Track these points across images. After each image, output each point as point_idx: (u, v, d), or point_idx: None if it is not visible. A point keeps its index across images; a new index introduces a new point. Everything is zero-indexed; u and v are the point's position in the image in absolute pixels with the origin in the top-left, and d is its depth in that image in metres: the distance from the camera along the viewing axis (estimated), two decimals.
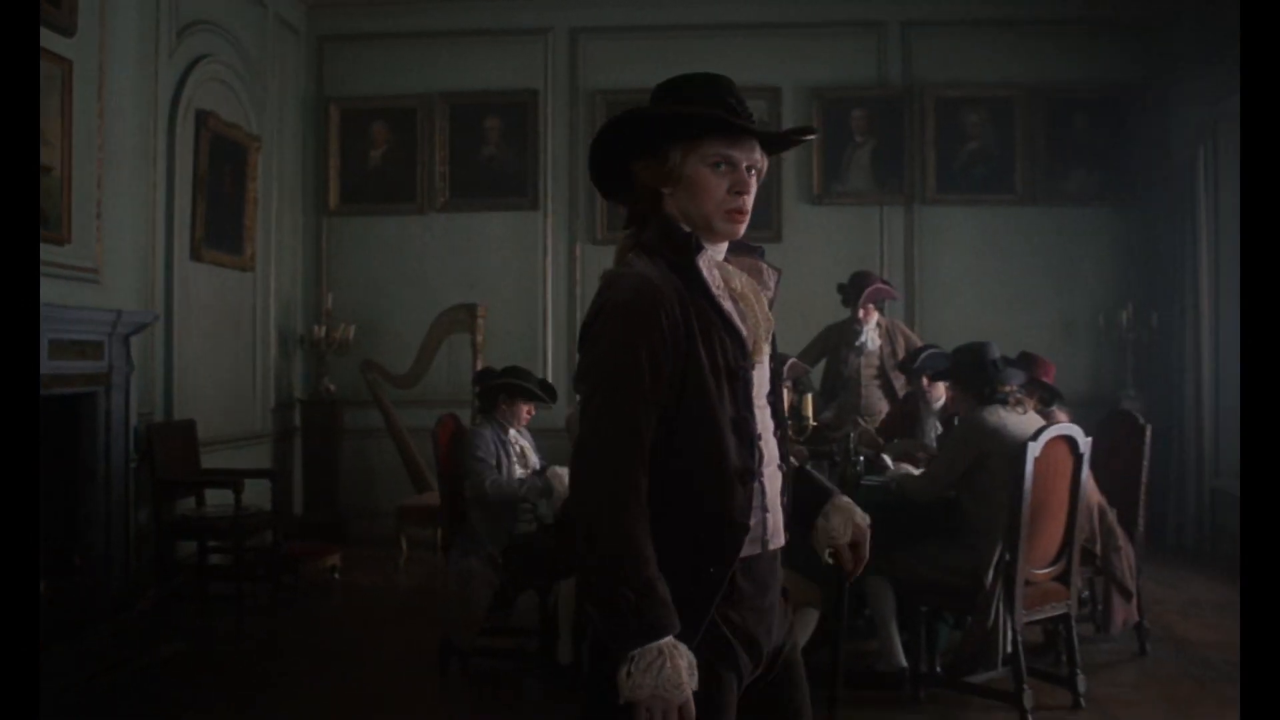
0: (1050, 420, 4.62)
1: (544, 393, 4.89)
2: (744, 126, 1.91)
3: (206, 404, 6.83)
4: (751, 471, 1.90)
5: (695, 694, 1.75)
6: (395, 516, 7.53)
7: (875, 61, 8.36)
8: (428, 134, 8.48)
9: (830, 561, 2.08)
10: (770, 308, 2.02)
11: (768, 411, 1.98)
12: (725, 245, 2.01)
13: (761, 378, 1.97)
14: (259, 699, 4.50)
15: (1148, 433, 5.04)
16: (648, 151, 1.94)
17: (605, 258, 8.11)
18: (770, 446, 1.97)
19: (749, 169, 1.94)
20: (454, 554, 4.67)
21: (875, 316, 6.25)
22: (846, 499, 2.09)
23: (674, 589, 1.77)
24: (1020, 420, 4.27)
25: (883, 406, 6.15)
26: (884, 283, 6.45)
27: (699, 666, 1.76)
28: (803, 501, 2.08)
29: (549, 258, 8.49)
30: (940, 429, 5.51)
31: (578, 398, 5.91)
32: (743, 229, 1.98)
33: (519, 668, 4.77)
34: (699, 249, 1.91)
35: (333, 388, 8.16)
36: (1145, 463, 5.02)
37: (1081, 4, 8.23)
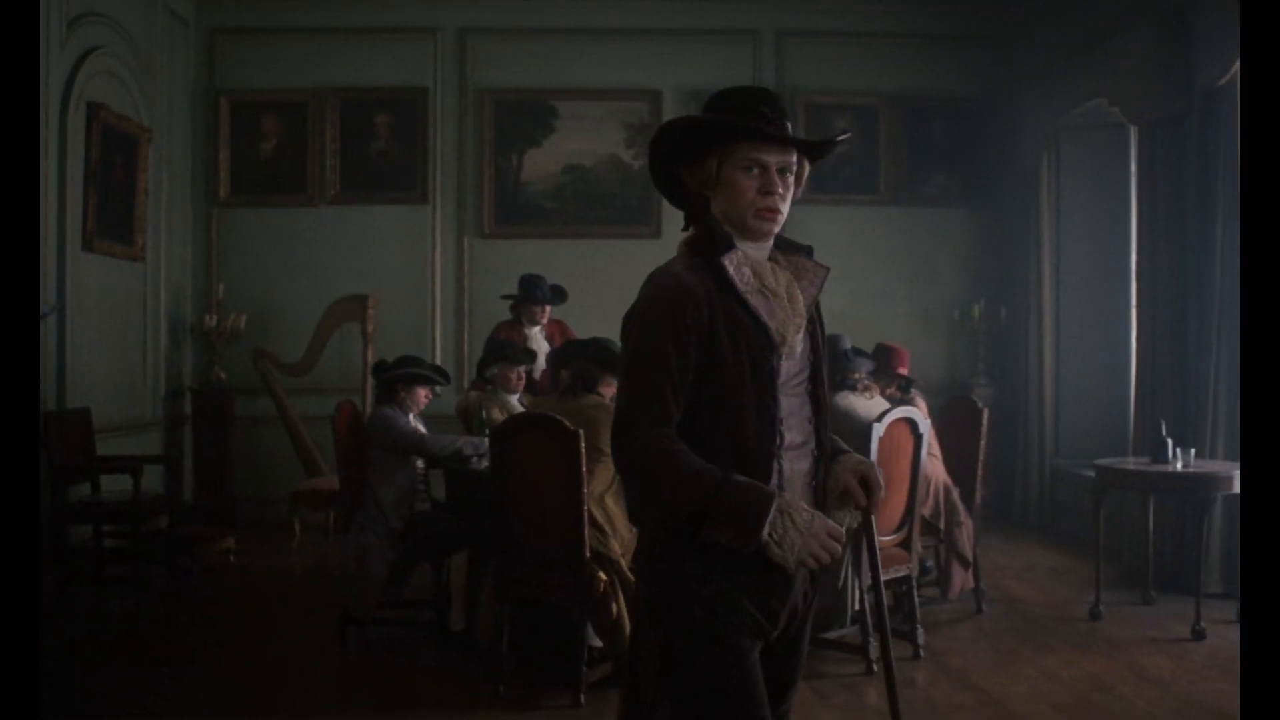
0: (912, 405, 5.18)
1: (439, 375, 5.24)
2: (761, 131, 2.05)
3: (98, 392, 6.92)
4: (769, 451, 2.05)
5: (715, 662, 2.01)
6: (288, 501, 7.73)
7: (751, 67, 8.83)
8: (319, 128, 8.66)
9: (838, 514, 2.19)
10: (813, 303, 2.17)
11: (801, 400, 2.13)
12: (767, 243, 2.15)
13: (791, 368, 2.11)
14: (164, 675, 4.72)
15: (984, 416, 5.64)
16: (691, 159, 2.12)
17: (492, 251, 8.61)
18: (797, 431, 2.10)
19: (782, 171, 2.07)
20: (352, 531, 4.99)
21: None
22: (851, 455, 2.20)
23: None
24: (868, 404, 4.79)
25: None
26: None
27: (716, 638, 2.01)
28: None
29: (438, 250, 8.76)
30: None
31: (466, 386, 6.26)
32: (775, 226, 2.10)
33: (414, 636, 5.11)
34: (727, 249, 2.08)
35: (224, 376, 8.28)
36: (982, 443, 5.61)
37: (940, 19, 8.86)
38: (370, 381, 7.74)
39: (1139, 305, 6.89)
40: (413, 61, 8.74)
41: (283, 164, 8.69)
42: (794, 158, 2.09)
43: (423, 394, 5.15)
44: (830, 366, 4.97)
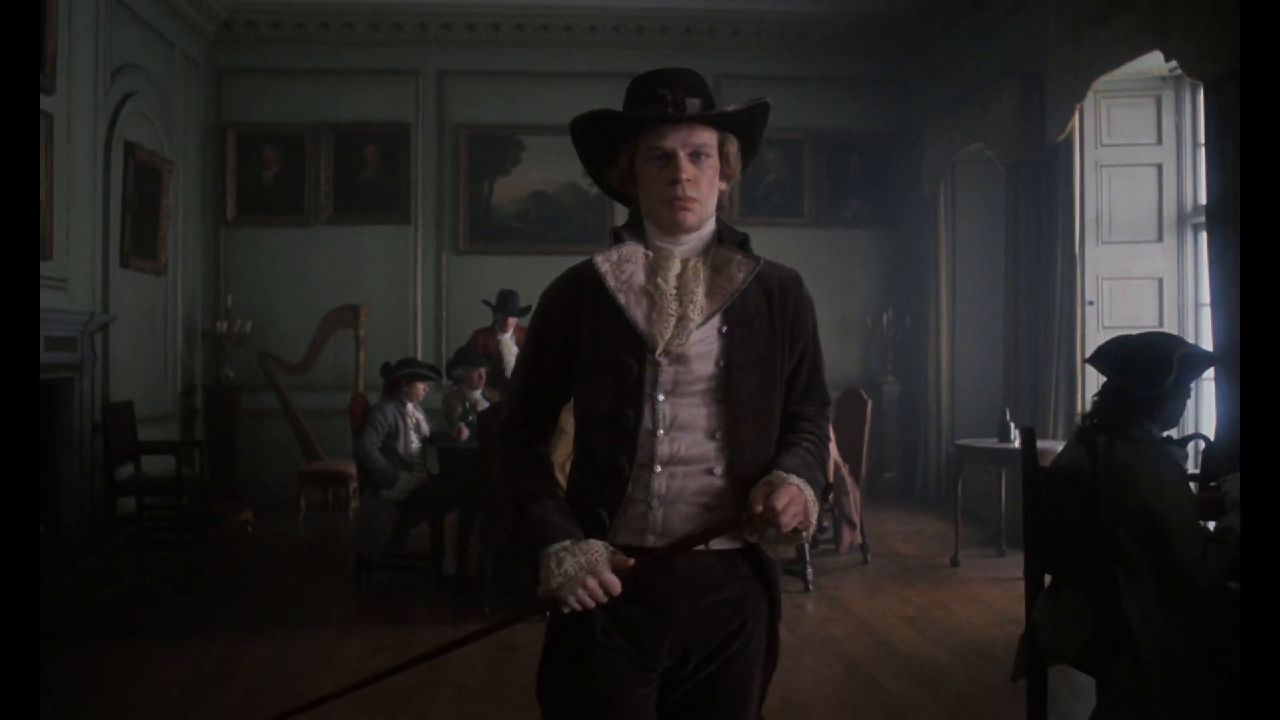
0: None
1: (432, 371, 6.57)
2: (636, 117, 1.91)
3: (131, 388, 8.14)
4: (619, 467, 1.89)
5: (563, 670, 1.94)
6: (294, 481, 8.96)
7: None
8: (314, 157, 9.91)
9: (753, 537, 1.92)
10: (734, 299, 1.94)
11: (701, 411, 1.92)
12: (693, 236, 1.97)
13: (682, 374, 1.91)
14: (209, 608, 5.97)
15: (869, 406, 7.02)
16: (608, 161, 2.00)
17: (468, 266, 9.98)
18: (685, 445, 1.91)
19: (695, 155, 1.90)
20: (365, 494, 6.28)
21: None
22: (777, 473, 1.89)
23: None
24: None
25: None
26: None
27: (567, 645, 1.93)
28: None
29: (419, 265, 10.04)
30: None
31: (446, 381, 7.55)
32: (693, 215, 1.92)
33: (414, 580, 6.40)
34: (614, 244, 1.98)
35: (232, 374, 9.51)
36: (867, 427, 6.99)
37: (856, 66, 10.28)
38: (362, 379, 9.10)
39: (1004, 314, 8.30)
40: (397, 100, 10.02)
41: (283, 189, 9.93)
42: (709, 138, 1.93)
43: (420, 387, 6.47)
44: None
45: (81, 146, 6.98)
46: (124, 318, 8.00)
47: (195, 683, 4.61)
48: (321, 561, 7.13)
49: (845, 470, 6.90)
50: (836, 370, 9.70)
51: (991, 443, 6.93)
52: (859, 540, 6.97)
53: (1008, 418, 6.83)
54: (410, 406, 6.43)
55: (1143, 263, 7.22)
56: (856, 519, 6.90)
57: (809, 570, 6.22)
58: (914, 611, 5.75)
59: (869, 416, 7.01)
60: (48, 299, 6.40)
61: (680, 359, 1.91)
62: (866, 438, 7.02)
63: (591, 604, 1.82)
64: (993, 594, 6.11)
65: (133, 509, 7.48)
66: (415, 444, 6.49)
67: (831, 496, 6.79)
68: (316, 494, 9.08)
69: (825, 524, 7.18)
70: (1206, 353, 3.13)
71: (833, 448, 6.66)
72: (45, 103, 6.41)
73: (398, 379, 6.40)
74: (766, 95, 2.06)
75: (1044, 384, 7.47)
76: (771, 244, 10.55)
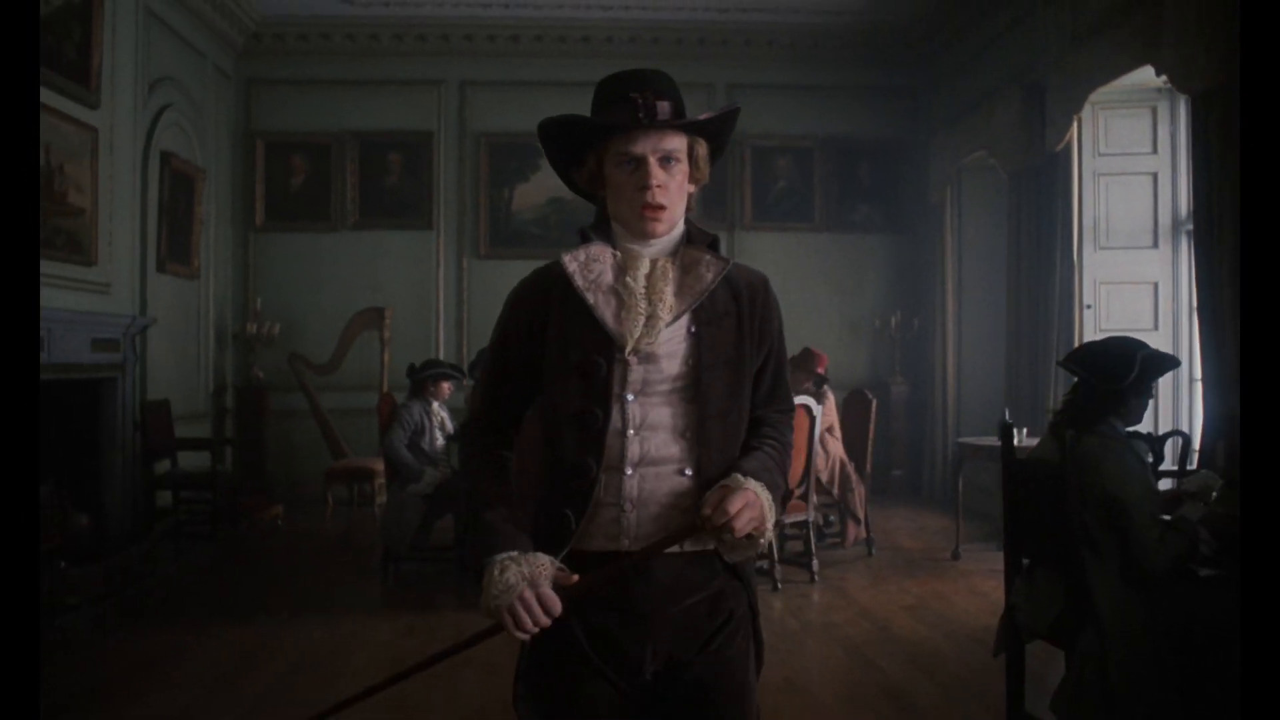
0: (823, 398, 6.86)
1: (456, 371, 6.90)
2: (606, 123, 1.88)
3: (167, 388, 8.50)
4: (586, 466, 1.87)
5: (539, 680, 1.92)
6: (321, 478, 9.30)
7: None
8: (340, 165, 10.26)
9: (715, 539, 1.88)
10: (702, 299, 1.93)
11: (671, 410, 1.90)
12: (663, 240, 1.95)
13: (651, 374, 1.90)
14: (244, 593, 6.30)
15: (873, 405, 7.31)
16: (577, 161, 1.97)
17: (488, 270, 10.33)
18: (656, 445, 1.89)
19: (666, 160, 1.89)
20: (393, 489, 6.61)
21: None
22: (735, 478, 1.87)
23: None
24: None
25: None
26: None
27: (548, 667, 1.90)
28: None
29: (441, 269, 10.38)
30: None
31: (468, 381, 7.90)
32: (662, 224, 1.91)
33: (439, 571, 6.73)
34: (581, 242, 1.97)
35: (261, 375, 9.86)
36: (871, 426, 7.28)
37: (865, 74, 10.57)
38: (386, 379, 9.43)
39: (1006, 317, 8.57)
40: (420, 109, 10.37)
41: (310, 196, 10.29)
42: (679, 143, 1.91)
43: (446, 387, 6.80)
44: None
45: (123, 157, 7.34)
46: (160, 320, 8.36)
47: (236, 664, 4.93)
48: (350, 554, 7.46)
49: (850, 468, 7.20)
50: (846, 371, 10.04)
51: (992, 441, 7.20)
52: (864, 535, 7.26)
53: (1008, 417, 7.08)
54: (436, 405, 6.76)
55: (1138, 268, 7.49)
56: (861, 514, 7.19)
57: (815, 562, 6.52)
58: (914, 601, 6.04)
59: (874, 415, 7.30)
60: (93, 302, 6.78)
61: (649, 358, 1.90)
62: (871, 436, 7.31)
63: (530, 626, 1.77)
64: (990, 585, 6.39)
65: (170, 502, 7.86)
66: (440, 441, 6.81)
67: (837, 493, 7.09)
68: (343, 490, 9.43)
69: (831, 519, 7.49)
70: (1168, 355, 3.41)
71: (839, 445, 6.96)
72: (90, 117, 6.79)
73: (424, 379, 6.73)
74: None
75: (1043, 384, 7.75)
76: (782, 249, 10.92)
